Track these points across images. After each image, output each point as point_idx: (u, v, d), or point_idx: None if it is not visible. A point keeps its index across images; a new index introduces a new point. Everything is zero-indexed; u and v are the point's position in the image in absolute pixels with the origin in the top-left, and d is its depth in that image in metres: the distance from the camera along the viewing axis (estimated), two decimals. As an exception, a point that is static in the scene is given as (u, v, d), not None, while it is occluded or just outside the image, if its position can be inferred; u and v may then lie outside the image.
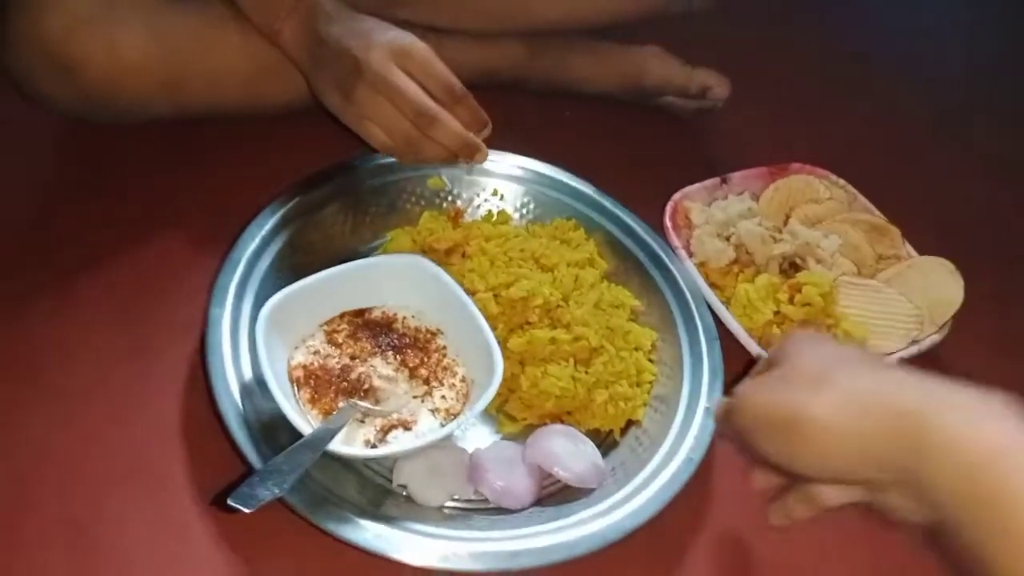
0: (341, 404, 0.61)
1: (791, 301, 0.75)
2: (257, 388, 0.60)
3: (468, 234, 0.74)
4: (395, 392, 0.63)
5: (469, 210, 0.80)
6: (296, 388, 0.62)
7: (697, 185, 0.86)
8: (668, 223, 0.81)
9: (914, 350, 0.75)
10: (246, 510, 0.48)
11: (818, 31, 1.27)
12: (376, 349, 0.65)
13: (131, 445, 0.60)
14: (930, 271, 0.81)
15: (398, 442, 0.60)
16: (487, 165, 0.78)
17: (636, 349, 0.70)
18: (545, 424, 0.65)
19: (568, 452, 0.62)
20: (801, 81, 1.15)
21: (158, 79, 0.75)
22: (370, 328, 0.67)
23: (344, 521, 0.54)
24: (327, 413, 0.60)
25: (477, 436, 0.65)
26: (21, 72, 0.73)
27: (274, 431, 0.57)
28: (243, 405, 0.58)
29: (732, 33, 1.06)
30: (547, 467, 0.61)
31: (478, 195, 0.80)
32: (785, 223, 0.85)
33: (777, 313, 0.75)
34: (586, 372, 0.66)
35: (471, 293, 0.67)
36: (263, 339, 0.59)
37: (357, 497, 0.57)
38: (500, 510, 0.60)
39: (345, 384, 0.62)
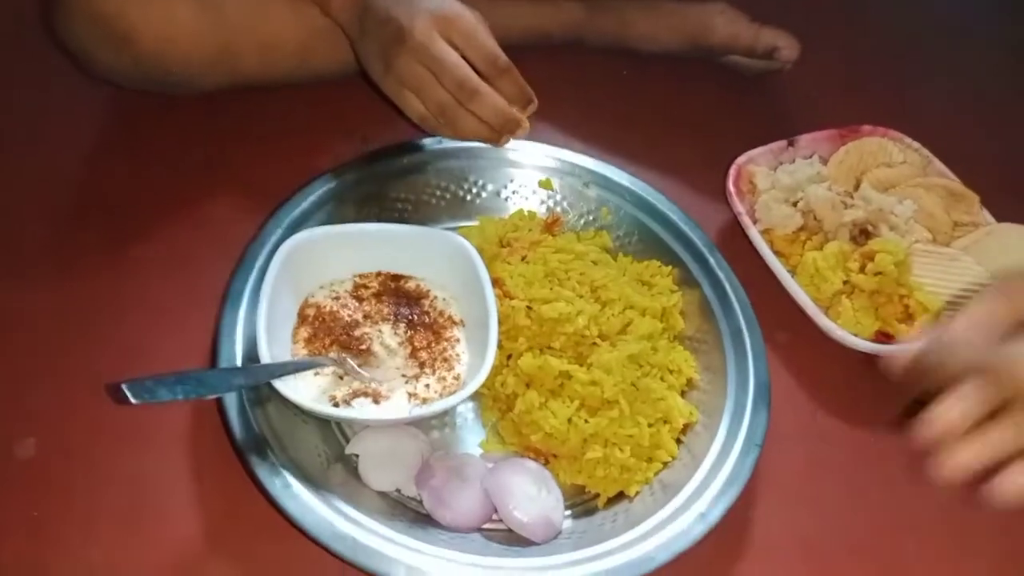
0: (331, 354, 0.60)
1: (862, 270, 0.71)
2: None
3: (544, 240, 0.71)
4: (387, 364, 0.62)
5: (571, 221, 0.77)
6: (300, 323, 0.62)
7: (762, 148, 0.81)
8: (731, 188, 0.77)
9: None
10: (133, 400, 0.46)
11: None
12: (392, 316, 0.65)
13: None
14: (1009, 238, 0.75)
15: (356, 410, 0.58)
16: (605, 182, 0.76)
17: (664, 422, 0.62)
18: (527, 457, 0.61)
19: (525, 495, 0.56)
20: (872, 41, 1.08)
21: (211, 49, 0.75)
22: (399, 295, 0.66)
23: (273, 474, 0.54)
24: (314, 355, 0.60)
25: (461, 443, 0.62)
26: (77, 43, 0.74)
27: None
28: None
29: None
30: (496, 501, 0.56)
31: (585, 211, 0.77)
32: (856, 188, 0.80)
33: (846, 283, 0.72)
34: (587, 421, 0.60)
35: (509, 297, 0.65)
36: (280, 263, 0.60)
37: (309, 452, 0.57)
38: (431, 520, 0.57)
39: (345, 337, 0.62)
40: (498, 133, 0.69)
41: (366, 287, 0.66)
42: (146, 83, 0.77)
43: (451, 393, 0.60)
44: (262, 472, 0.54)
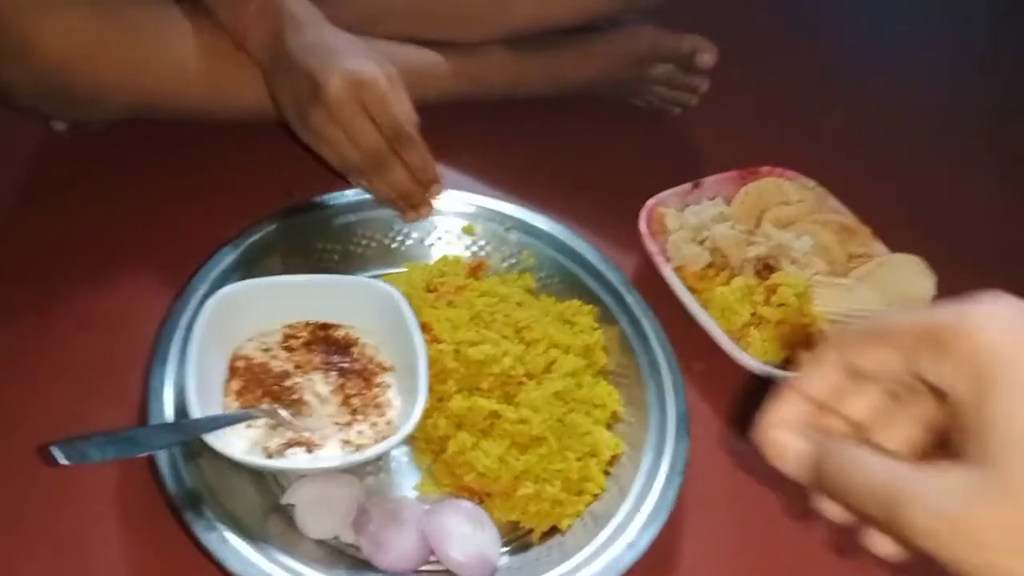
0: (263, 405, 0.61)
1: (767, 302, 0.75)
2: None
3: (470, 285, 0.73)
4: (319, 412, 0.63)
5: (493, 265, 0.78)
6: (230, 376, 0.63)
7: (670, 191, 0.85)
8: (644, 229, 0.81)
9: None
10: (64, 461, 0.46)
11: (785, 33, 1.29)
12: (323, 365, 0.66)
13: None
14: (901, 268, 0.81)
15: (289, 460, 0.59)
16: (526, 227, 0.79)
17: (591, 455, 0.64)
18: (462, 497, 0.62)
19: (462, 535, 0.57)
20: (769, 84, 1.16)
21: (115, 65, 0.73)
22: (328, 344, 0.67)
23: (209, 529, 0.54)
24: (245, 408, 0.61)
25: (396, 487, 0.63)
26: None
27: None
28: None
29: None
30: (432, 542, 0.57)
31: (508, 254, 0.79)
32: (757, 225, 0.86)
33: (754, 314, 0.76)
34: (518, 459, 0.62)
35: (437, 342, 0.67)
36: (207, 317, 0.60)
37: (245, 505, 0.58)
38: (369, 566, 0.57)
39: (276, 388, 0.63)
40: (405, 204, 0.71)
41: (295, 337, 0.67)
42: (53, 102, 0.75)
43: (384, 438, 0.61)
44: (198, 527, 0.54)
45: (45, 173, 0.82)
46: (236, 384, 0.63)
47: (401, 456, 0.66)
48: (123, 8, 0.73)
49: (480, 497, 0.63)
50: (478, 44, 0.91)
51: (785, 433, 0.36)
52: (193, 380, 0.57)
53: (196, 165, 0.83)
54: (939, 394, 0.32)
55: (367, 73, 0.68)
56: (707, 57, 0.95)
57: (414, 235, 0.80)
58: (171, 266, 0.70)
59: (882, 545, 0.35)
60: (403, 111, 0.69)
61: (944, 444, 0.32)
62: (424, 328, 0.67)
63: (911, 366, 0.32)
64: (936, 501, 0.29)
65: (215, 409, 0.60)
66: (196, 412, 0.56)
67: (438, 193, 0.73)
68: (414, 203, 0.72)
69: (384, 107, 0.68)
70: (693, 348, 0.75)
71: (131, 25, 0.74)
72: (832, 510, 0.36)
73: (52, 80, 0.72)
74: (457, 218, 0.80)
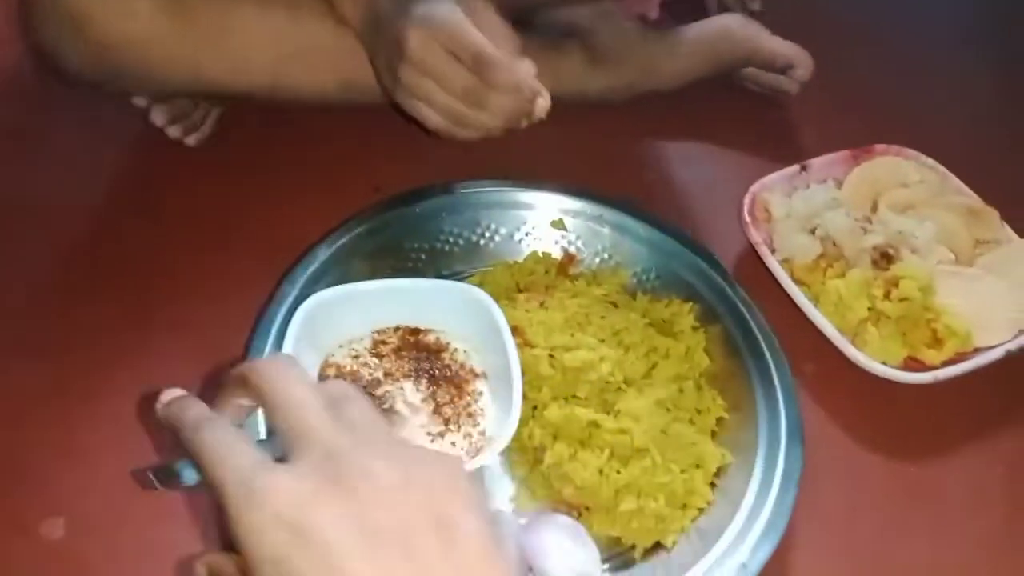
0: None
1: (887, 297, 0.70)
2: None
3: (563, 285, 0.71)
4: (412, 422, 0.61)
5: (585, 260, 0.76)
6: None
7: (775, 174, 0.80)
8: (747, 217, 0.76)
9: (1022, 341, 0.70)
10: (159, 487, 0.42)
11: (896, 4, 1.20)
12: (413, 372, 0.64)
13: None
14: (1033, 253, 0.74)
15: None
16: (618, 219, 0.75)
17: (697, 467, 0.61)
18: (559, 510, 0.59)
19: (561, 551, 0.55)
20: (880, 58, 1.07)
21: (171, 50, 0.73)
22: (418, 349, 0.65)
23: None
24: None
25: (491, 497, 0.61)
26: (36, 23, 0.71)
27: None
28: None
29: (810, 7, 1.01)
30: (530, 559, 0.55)
31: (600, 249, 0.76)
32: (873, 210, 0.80)
33: (871, 310, 0.71)
34: (619, 472, 0.59)
35: (530, 346, 0.64)
36: (298, 325, 0.59)
37: None
38: None
39: (367, 397, 0.60)
40: (516, 121, 0.69)
41: (385, 343, 0.65)
42: (110, 81, 0.74)
43: (478, 449, 0.59)
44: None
45: (137, 175, 0.83)
46: None
47: (494, 466, 0.64)
48: None
49: (579, 511, 0.60)
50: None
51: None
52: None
53: (283, 162, 0.82)
54: None
55: (437, 14, 0.66)
56: (801, 73, 0.91)
57: (502, 231, 0.77)
58: (260, 267, 0.70)
59: None
60: (480, 37, 0.66)
61: None
62: (515, 332, 0.64)
63: None
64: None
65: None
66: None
67: (545, 106, 0.69)
68: (529, 113, 0.69)
69: (460, 39, 0.65)
70: (803, 348, 0.70)
71: (191, 11, 0.72)
72: None
73: (104, 55, 0.71)
74: (546, 212, 0.77)
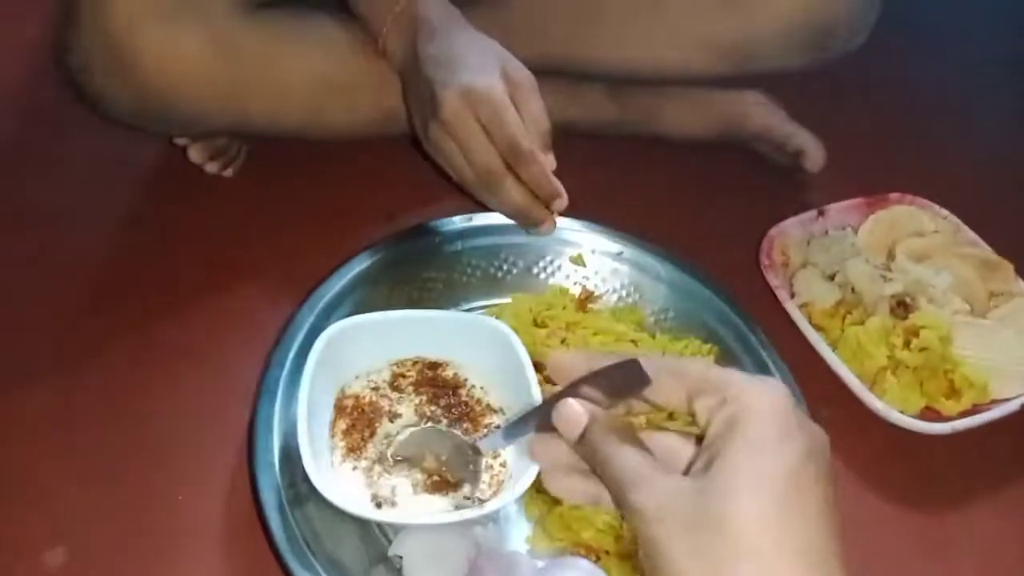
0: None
1: (907, 346, 0.70)
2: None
3: (584, 321, 0.70)
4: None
5: (604, 297, 0.76)
6: (337, 415, 0.61)
7: (793, 219, 0.81)
8: (765, 261, 0.77)
9: (1039, 394, 0.71)
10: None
11: (908, 50, 1.22)
12: (431, 408, 0.63)
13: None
14: (1048, 308, 0.75)
15: (404, 513, 0.56)
16: (638, 257, 0.76)
17: None
18: (577, 554, 0.58)
19: None
20: (896, 106, 1.10)
21: (218, 89, 0.73)
22: (436, 385, 0.65)
23: None
24: (352, 450, 0.59)
25: (505, 536, 0.60)
26: (81, 64, 0.71)
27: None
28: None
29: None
30: None
31: (619, 286, 0.76)
32: (888, 258, 0.80)
33: (890, 358, 0.71)
34: None
35: (551, 384, 0.62)
36: (319, 352, 0.58)
37: (350, 553, 0.56)
38: None
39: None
40: (524, 220, 0.69)
41: (404, 376, 0.65)
42: (148, 119, 0.75)
43: (499, 484, 0.58)
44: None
45: (151, 200, 0.83)
46: (342, 424, 0.61)
47: (510, 505, 0.62)
48: (232, 30, 0.73)
49: (597, 555, 0.59)
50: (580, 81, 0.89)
51: (578, 407, 0.42)
52: (304, 422, 0.55)
53: (296, 190, 0.82)
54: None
55: (481, 87, 0.66)
56: (810, 164, 0.91)
57: (520, 264, 0.77)
58: (275, 295, 0.70)
59: None
60: (520, 126, 0.66)
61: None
62: (537, 368, 0.63)
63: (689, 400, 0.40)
64: (651, 490, 0.36)
65: (323, 450, 0.58)
66: (307, 454, 0.54)
67: (560, 208, 0.69)
68: (533, 220, 0.69)
69: (499, 122, 0.66)
70: (819, 394, 0.70)
71: (238, 50, 0.73)
72: (558, 486, 0.45)
73: (153, 99, 0.72)
74: (566, 246, 0.77)
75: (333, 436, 0.60)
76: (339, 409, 0.62)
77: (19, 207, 0.80)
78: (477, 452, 0.57)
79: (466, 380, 0.65)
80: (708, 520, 0.34)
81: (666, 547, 0.35)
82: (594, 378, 0.43)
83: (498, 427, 0.59)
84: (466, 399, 0.64)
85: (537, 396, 0.59)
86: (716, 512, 0.34)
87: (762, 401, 0.37)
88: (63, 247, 0.76)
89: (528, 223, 0.70)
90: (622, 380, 0.42)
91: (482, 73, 0.67)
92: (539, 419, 0.47)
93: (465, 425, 0.63)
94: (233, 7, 0.73)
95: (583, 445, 0.42)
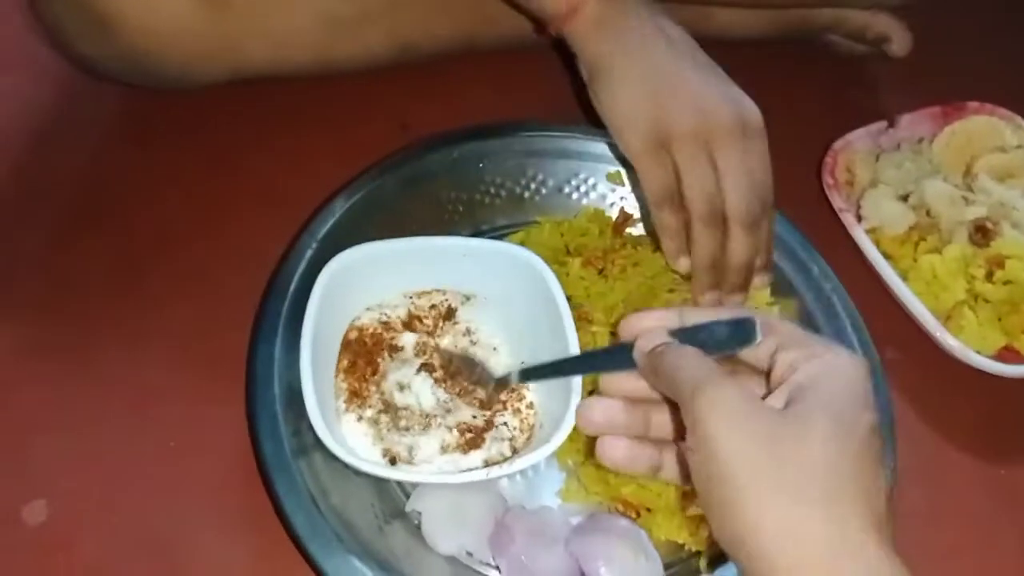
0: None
1: (989, 278, 0.64)
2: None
3: (622, 250, 0.64)
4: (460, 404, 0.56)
5: (643, 221, 0.68)
6: (344, 350, 0.57)
7: (860, 131, 0.74)
8: (828, 179, 0.70)
9: None
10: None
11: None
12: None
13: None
14: None
15: (422, 471, 0.52)
16: None
17: None
18: (615, 511, 0.55)
19: (620, 561, 0.50)
20: (974, 10, 1.00)
21: (210, 40, 0.67)
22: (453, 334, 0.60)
23: (321, 540, 0.49)
24: (355, 394, 0.55)
25: (535, 490, 0.56)
26: (52, 26, 0.67)
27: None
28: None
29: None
30: (585, 568, 0.51)
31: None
32: (967, 175, 0.73)
33: (969, 291, 0.65)
34: None
35: (588, 322, 0.58)
36: (323, 287, 0.54)
37: (362, 509, 0.52)
38: None
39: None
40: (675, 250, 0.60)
41: (421, 320, 0.59)
42: (139, 76, 0.70)
43: (530, 429, 0.55)
44: (308, 536, 0.49)
45: (131, 121, 0.75)
46: (345, 361, 0.57)
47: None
48: None
49: (637, 511, 0.55)
50: None
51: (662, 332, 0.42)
52: (308, 367, 0.51)
53: (299, 94, 0.75)
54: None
55: (727, 124, 0.56)
56: (896, 48, 0.82)
57: (550, 183, 0.70)
58: (274, 216, 0.64)
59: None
60: (767, 178, 0.58)
61: None
62: (570, 304, 0.57)
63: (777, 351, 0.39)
64: (723, 391, 0.36)
65: (327, 390, 0.54)
66: (312, 403, 0.50)
67: (763, 286, 0.62)
68: (710, 283, 0.59)
69: (735, 173, 0.56)
70: (885, 330, 0.64)
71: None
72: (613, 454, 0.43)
73: (141, 59, 0.67)
74: (601, 163, 0.70)
75: (338, 375, 0.56)
76: (346, 344, 0.57)
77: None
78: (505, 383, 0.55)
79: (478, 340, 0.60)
80: (777, 443, 0.34)
81: (724, 446, 0.35)
82: (692, 331, 0.42)
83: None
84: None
85: (573, 341, 0.54)
86: (788, 441, 0.34)
87: (847, 369, 0.37)
88: (45, 168, 0.70)
89: (674, 255, 0.60)
90: (727, 335, 0.41)
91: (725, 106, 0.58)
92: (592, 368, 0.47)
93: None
94: None
95: (654, 355, 0.41)
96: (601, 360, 0.49)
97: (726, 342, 0.41)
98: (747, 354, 0.41)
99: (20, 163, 0.70)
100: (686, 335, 0.41)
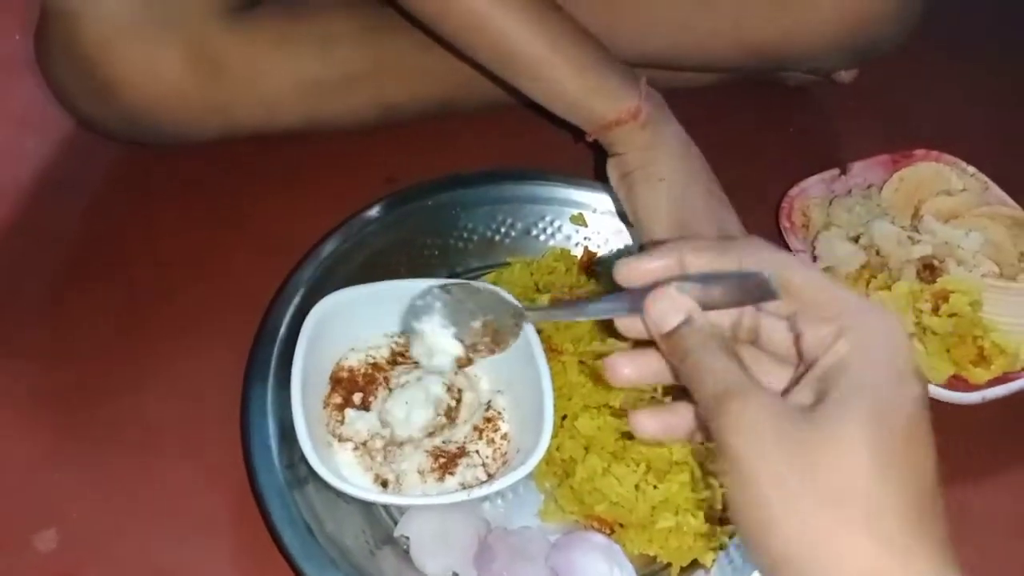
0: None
1: (935, 311, 0.71)
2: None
3: (587, 285, 0.70)
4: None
5: (606, 259, 0.75)
6: (332, 388, 0.62)
7: (814, 178, 0.81)
8: (785, 223, 0.77)
9: (1072, 358, 0.71)
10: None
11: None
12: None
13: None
14: (1081, 271, 0.75)
15: (410, 495, 0.57)
16: None
17: None
18: (590, 528, 0.59)
19: (597, 573, 0.55)
20: (917, 58, 1.09)
21: (204, 104, 0.73)
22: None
23: (317, 564, 0.53)
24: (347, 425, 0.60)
25: (515, 511, 0.61)
26: (58, 86, 0.72)
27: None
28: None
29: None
30: None
31: (623, 247, 0.76)
32: (914, 218, 0.81)
33: (917, 324, 0.71)
34: (656, 487, 0.58)
35: (556, 351, 0.64)
36: (311, 329, 0.58)
37: (354, 535, 0.57)
38: None
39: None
40: None
41: (404, 355, 0.65)
42: (137, 135, 0.75)
43: (503, 456, 0.60)
44: (304, 563, 0.54)
45: (127, 171, 0.82)
46: (337, 398, 0.62)
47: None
48: (213, 44, 0.72)
49: (611, 527, 0.60)
50: None
51: (682, 298, 0.39)
52: (299, 405, 0.56)
53: (293, 150, 0.81)
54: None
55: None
56: (844, 76, 0.90)
57: (518, 225, 0.77)
58: (267, 261, 0.69)
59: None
60: None
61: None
62: (540, 336, 0.63)
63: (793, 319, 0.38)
64: (748, 402, 0.34)
65: (318, 425, 0.59)
66: (304, 437, 0.54)
67: None
68: None
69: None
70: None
71: (222, 65, 0.73)
72: (645, 423, 0.41)
73: (137, 118, 0.72)
74: (565, 206, 0.77)
75: (326, 408, 0.61)
76: (335, 382, 0.62)
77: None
78: (521, 315, 0.54)
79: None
80: (811, 455, 0.33)
81: (755, 467, 0.33)
82: (704, 279, 0.39)
83: None
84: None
85: (544, 369, 0.59)
86: (822, 451, 0.32)
87: (879, 337, 0.35)
88: (51, 220, 0.76)
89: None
90: (740, 292, 0.39)
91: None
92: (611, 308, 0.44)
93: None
94: (212, 15, 0.72)
95: (672, 340, 0.39)
96: (604, 307, 0.45)
97: (739, 297, 0.39)
98: (768, 329, 0.39)
99: (27, 214, 0.76)
100: (699, 282, 0.39)
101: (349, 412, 0.60)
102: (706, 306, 0.39)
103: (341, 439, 0.59)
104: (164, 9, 0.70)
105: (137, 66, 0.70)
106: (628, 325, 0.42)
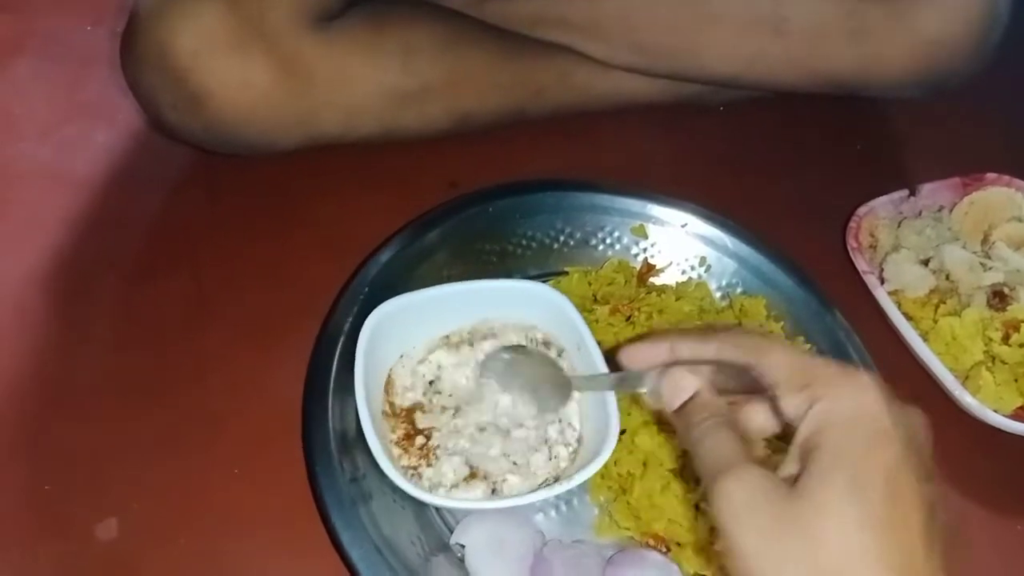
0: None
1: (1005, 341, 0.73)
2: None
3: (648, 298, 0.73)
4: (514, 435, 0.64)
5: (666, 271, 0.78)
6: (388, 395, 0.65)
7: (883, 198, 0.83)
8: (852, 243, 0.80)
9: None
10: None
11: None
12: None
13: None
14: None
15: (470, 497, 0.60)
16: (704, 230, 0.78)
17: None
18: (647, 545, 0.62)
19: None
20: (994, 81, 1.11)
21: (291, 113, 0.77)
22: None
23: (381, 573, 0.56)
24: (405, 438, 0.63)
25: (569, 524, 0.64)
26: (144, 95, 0.76)
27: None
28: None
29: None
30: None
31: (683, 260, 0.79)
32: (984, 243, 0.83)
33: (986, 352, 0.74)
34: None
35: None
36: (364, 346, 0.62)
37: (408, 542, 0.59)
38: None
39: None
40: None
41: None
42: (216, 144, 0.79)
43: (574, 455, 0.63)
44: (364, 568, 0.56)
45: (199, 177, 0.86)
46: (401, 431, 0.65)
47: (574, 491, 0.65)
48: (303, 54, 0.76)
49: (668, 546, 0.62)
50: None
51: (690, 378, 0.47)
52: (365, 408, 0.59)
53: (358, 154, 0.85)
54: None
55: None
56: None
57: (577, 235, 0.80)
58: (326, 267, 0.73)
59: None
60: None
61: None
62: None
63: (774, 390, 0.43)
64: (740, 481, 0.39)
65: (383, 431, 0.62)
66: (373, 440, 0.58)
67: None
68: None
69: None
70: (905, 387, 0.72)
71: (311, 75, 0.76)
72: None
73: (225, 130, 0.76)
74: (627, 217, 0.80)
75: (386, 415, 0.64)
76: (389, 386, 0.66)
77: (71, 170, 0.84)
78: (567, 382, 0.64)
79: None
80: (802, 533, 0.37)
81: (743, 543, 0.38)
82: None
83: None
84: None
85: (602, 366, 0.63)
86: (811, 527, 0.37)
87: (850, 403, 0.39)
88: (123, 215, 0.81)
89: None
90: (742, 379, 0.46)
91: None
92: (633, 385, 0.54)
93: None
94: (301, 26, 0.75)
95: (682, 416, 0.46)
96: (634, 382, 0.55)
97: (742, 383, 0.46)
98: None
99: (98, 207, 0.81)
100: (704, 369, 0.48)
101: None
102: (718, 389, 0.47)
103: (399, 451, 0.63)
104: (259, 21, 0.73)
105: (229, 77, 0.73)
106: (653, 399, 0.51)
